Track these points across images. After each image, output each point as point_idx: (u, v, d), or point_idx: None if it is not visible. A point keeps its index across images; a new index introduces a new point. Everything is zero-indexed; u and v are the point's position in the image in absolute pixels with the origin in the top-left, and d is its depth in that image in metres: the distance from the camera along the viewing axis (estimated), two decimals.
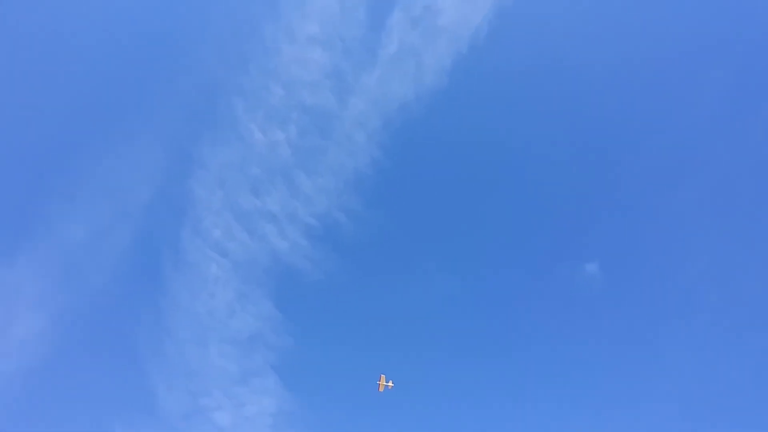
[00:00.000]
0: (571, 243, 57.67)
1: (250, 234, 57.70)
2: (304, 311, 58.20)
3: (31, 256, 54.30)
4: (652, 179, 55.97)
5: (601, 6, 58.19)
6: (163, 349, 55.15)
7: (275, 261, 57.55)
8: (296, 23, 58.43)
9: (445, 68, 58.48)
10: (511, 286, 58.33)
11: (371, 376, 56.51)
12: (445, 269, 59.14)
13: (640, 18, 56.25)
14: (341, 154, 58.98)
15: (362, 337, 58.36)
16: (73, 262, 55.05)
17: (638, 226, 55.95)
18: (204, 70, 59.09)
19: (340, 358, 57.02)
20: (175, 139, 57.90)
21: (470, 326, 57.58)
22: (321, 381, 56.05)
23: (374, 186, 59.32)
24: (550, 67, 58.30)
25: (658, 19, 55.87)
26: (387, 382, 49.63)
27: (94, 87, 57.87)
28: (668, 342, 53.09)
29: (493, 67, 59.10)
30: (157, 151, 57.19)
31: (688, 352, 52.09)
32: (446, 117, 59.66)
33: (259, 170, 58.47)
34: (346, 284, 58.69)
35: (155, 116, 57.85)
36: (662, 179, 55.65)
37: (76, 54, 57.74)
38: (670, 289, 53.85)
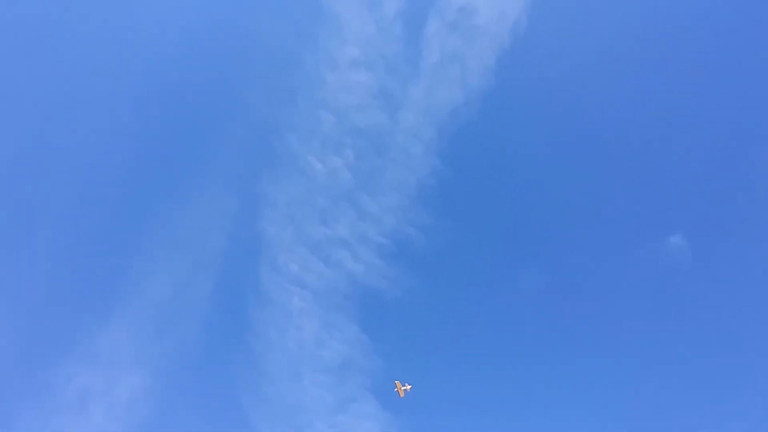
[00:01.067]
0: (651, 215, 55.72)
1: (325, 263, 58.38)
2: (390, 330, 58.42)
3: (123, 318, 56.34)
4: (734, 140, 53.93)
5: None
6: (259, 388, 56.07)
7: (354, 285, 58.02)
8: (336, 50, 59.21)
9: (490, 67, 58.04)
10: (593, 273, 56.92)
11: (465, 388, 56.43)
12: (523, 266, 58.18)
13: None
14: (401, 170, 59.20)
15: (450, 349, 58.03)
16: (162, 316, 56.90)
17: (725, 190, 53.73)
18: (254, 110, 60.65)
19: (431, 372, 56.86)
20: (240, 182, 59.55)
21: (560, 323, 56.35)
22: (418, 398, 55.70)
23: (438, 195, 59.22)
24: (599, 52, 57.27)
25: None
26: (404, 385, 49.45)
27: (158, 142, 60.32)
28: None
29: (539, 59, 58.45)
30: (225, 197, 58.82)
31: None
32: (499, 115, 59.15)
33: (324, 199, 59.28)
34: (426, 297, 58.64)
35: (217, 163, 59.58)
36: (746, 140, 53.56)
37: (134, 116, 60.09)
38: None
